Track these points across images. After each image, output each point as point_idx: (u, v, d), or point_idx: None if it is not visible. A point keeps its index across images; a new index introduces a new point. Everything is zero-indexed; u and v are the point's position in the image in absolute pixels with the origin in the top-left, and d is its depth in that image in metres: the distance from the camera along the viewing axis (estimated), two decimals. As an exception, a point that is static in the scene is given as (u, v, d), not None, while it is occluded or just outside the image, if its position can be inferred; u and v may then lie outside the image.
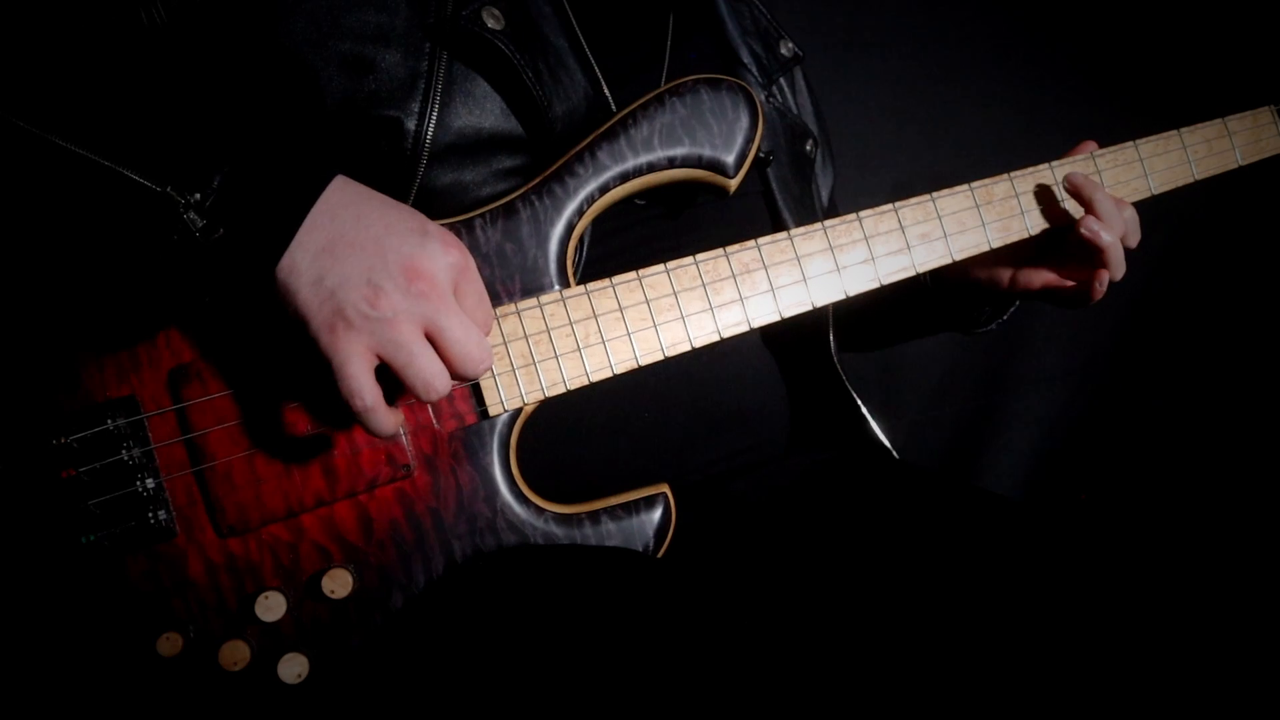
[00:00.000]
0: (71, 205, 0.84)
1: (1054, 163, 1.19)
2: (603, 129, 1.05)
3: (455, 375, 0.86)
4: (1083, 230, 1.12)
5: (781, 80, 1.37)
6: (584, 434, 1.08)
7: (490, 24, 1.03)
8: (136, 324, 0.94)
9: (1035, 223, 1.18)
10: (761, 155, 1.16)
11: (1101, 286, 1.16)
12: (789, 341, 1.24)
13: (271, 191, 0.84)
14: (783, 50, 1.35)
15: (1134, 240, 1.17)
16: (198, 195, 0.82)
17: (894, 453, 1.30)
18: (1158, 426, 2.52)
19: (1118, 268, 1.14)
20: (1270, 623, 0.88)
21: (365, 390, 0.82)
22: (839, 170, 1.52)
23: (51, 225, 0.86)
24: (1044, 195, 1.18)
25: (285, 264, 0.82)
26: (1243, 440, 2.44)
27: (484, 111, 1.06)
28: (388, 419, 0.85)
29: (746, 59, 1.30)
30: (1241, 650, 0.87)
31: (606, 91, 1.11)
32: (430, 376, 0.83)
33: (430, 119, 1.02)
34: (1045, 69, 2.37)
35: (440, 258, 0.84)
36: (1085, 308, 1.20)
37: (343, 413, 0.86)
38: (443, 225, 0.95)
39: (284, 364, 0.94)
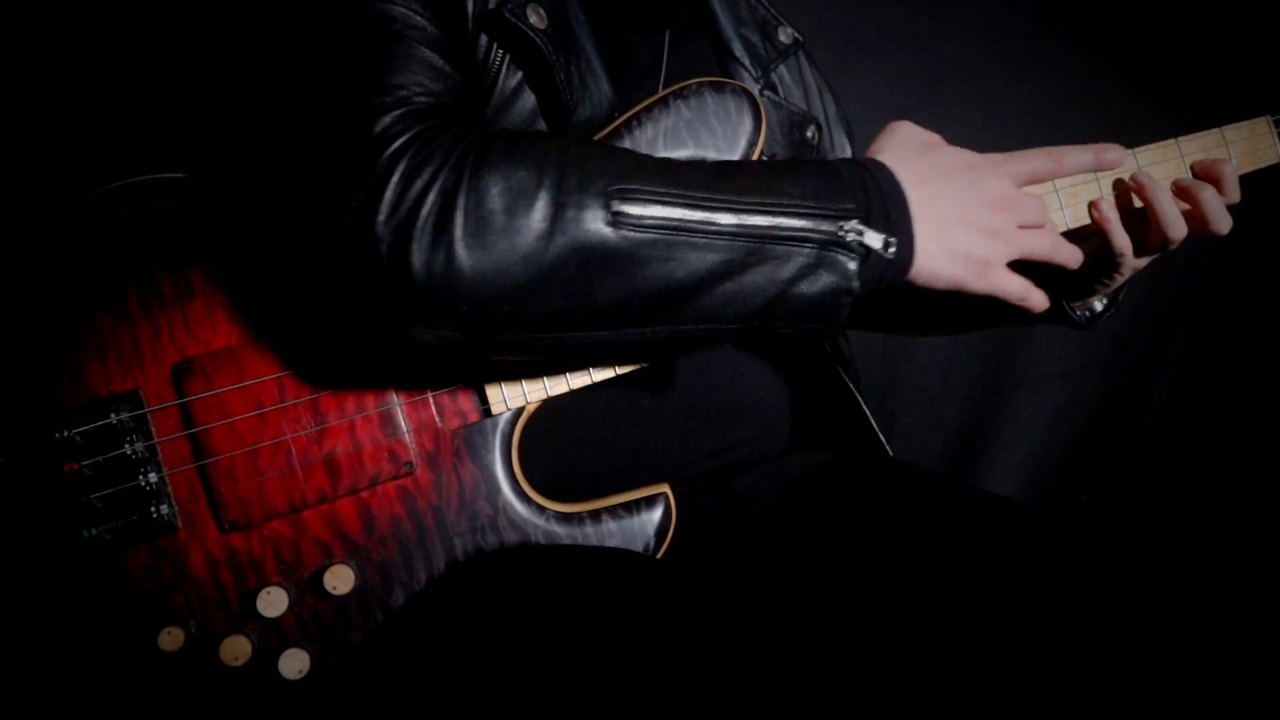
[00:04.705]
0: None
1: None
2: (607, 130, 1.05)
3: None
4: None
5: (781, 68, 1.37)
6: (585, 431, 1.08)
7: (534, 20, 1.03)
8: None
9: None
10: (764, 159, 1.17)
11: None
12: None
13: (882, 196, 0.92)
14: (781, 37, 1.35)
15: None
16: (856, 220, 0.90)
17: (888, 448, 1.30)
18: (1158, 426, 2.52)
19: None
20: (1270, 623, 0.89)
21: (1027, 293, 0.99)
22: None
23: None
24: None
25: (921, 261, 0.93)
26: (1243, 440, 2.44)
27: (513, 112, 1.06)
28: (1039, 295, 1.00)
29: (739, 52, 1.30)
30: (1241, 650, 0.88)
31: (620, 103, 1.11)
32: (1054, 248, 1.00)
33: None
34: (1043, 76, 2.37)
35: (997, 178, 0.97)
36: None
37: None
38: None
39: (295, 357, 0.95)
